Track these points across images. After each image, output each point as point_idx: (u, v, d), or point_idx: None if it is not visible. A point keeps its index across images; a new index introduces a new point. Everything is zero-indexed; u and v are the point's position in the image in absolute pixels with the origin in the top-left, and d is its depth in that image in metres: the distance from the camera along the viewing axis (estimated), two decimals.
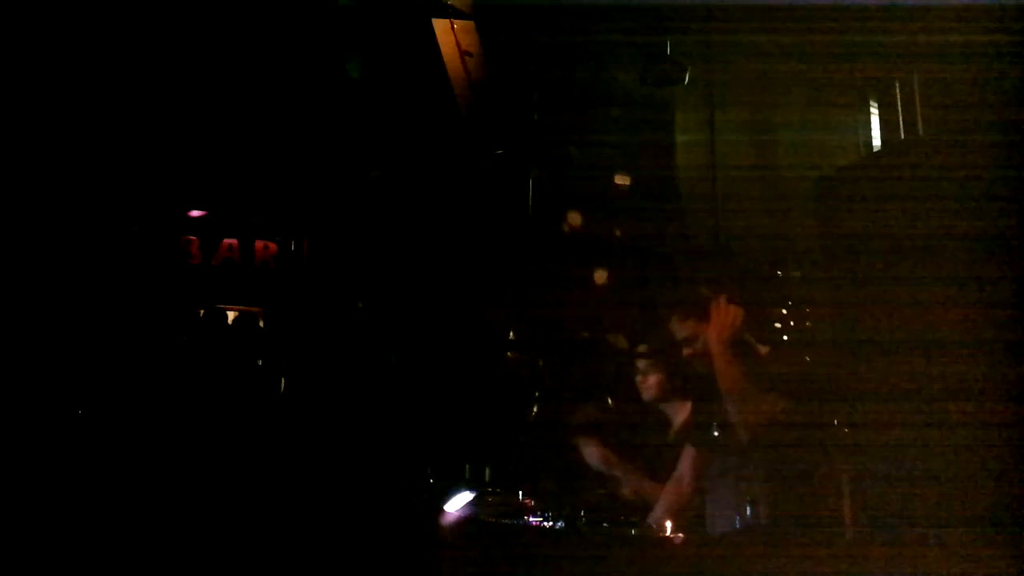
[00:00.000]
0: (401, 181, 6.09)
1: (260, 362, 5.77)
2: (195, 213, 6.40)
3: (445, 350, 5.61)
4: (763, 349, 2.87)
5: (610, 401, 3.68)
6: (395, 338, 5.65)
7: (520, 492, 3.21)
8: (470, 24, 5.77)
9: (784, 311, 4.66)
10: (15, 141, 5.38)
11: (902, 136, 5.46)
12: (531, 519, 2.96)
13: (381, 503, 3.32)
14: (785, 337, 3.03)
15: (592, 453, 3.26)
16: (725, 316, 2.80)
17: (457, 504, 3.13)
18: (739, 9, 5.55)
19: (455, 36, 5.89)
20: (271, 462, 4.03)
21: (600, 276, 6.58)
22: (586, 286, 6.50)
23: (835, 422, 2.75)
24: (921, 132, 4.90)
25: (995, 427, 3.49)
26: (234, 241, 6.43)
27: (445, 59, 6.09)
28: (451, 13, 5.59)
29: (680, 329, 2.93)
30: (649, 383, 3.17)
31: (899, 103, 5.43)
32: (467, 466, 3.37)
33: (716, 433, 2.82)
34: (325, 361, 5.59)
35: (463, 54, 6.02)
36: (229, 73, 6.09)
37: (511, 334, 5.72)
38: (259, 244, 6.48)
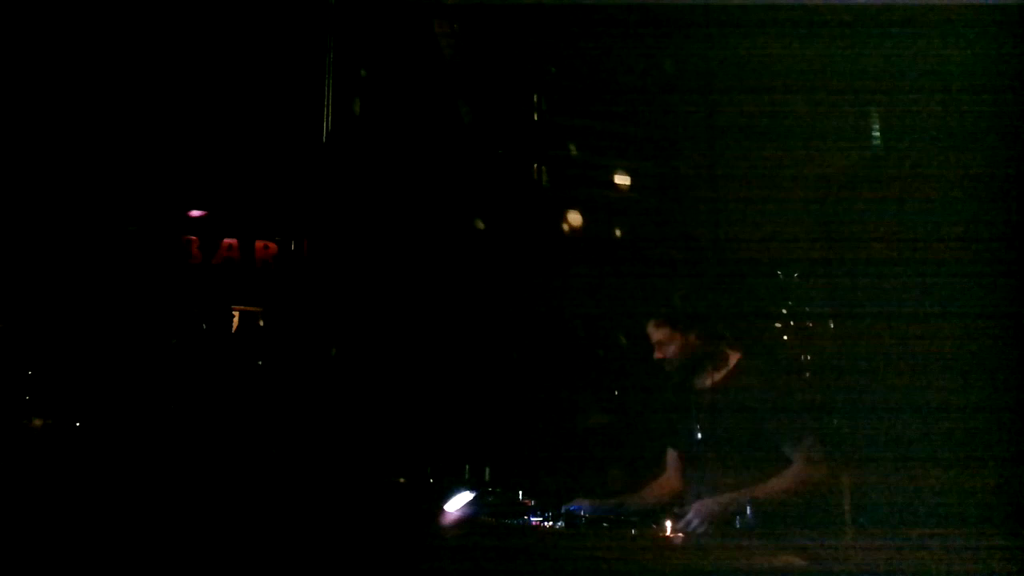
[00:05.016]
0: (401, 181, 6.09)
1: (260, 362, 5.78)
2: (195, 213, 6.39)
3: (445, 350, 5.62)
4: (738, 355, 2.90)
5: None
6: (396, 338, 5.65)
7: (520, 492, 3.22)
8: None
9: (783, 312, 4.66)
10: (15, 141, 5.38)
11: (902, 136, 5.47)
12: (531, 519, 2.97)
13: (381, 502, 3.33)
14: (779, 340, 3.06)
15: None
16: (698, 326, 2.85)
17: (457, 504, 3.13)
18: (739, 9, 5.55)
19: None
20: (270, 461, 4.04)
21: (600, 277, 6.58)
22: (586, 286, 6.50)
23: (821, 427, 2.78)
24: (921, 132, 4.90)
25: (992, 436, 3.50)
26: (234, 241, 6.44)
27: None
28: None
29: (655, 333, 2.96)
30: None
31: (898, 103, 5.43)
32: (467, 466, 3.37)
33: (699, 436, 2.87)
34: (325, 361, 5.59)
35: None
36: (229, 73, 6.10)
37: (511, 334, 5.73)
38: (259, 244, 6.48)
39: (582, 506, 3.00)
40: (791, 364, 3.23)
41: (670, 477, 3.14)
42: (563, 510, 2.96)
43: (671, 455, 3.14)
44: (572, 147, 6.84)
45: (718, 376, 2.90)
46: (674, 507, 2.95)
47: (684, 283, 3.32)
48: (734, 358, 2.93)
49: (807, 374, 4.25)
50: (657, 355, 2.98)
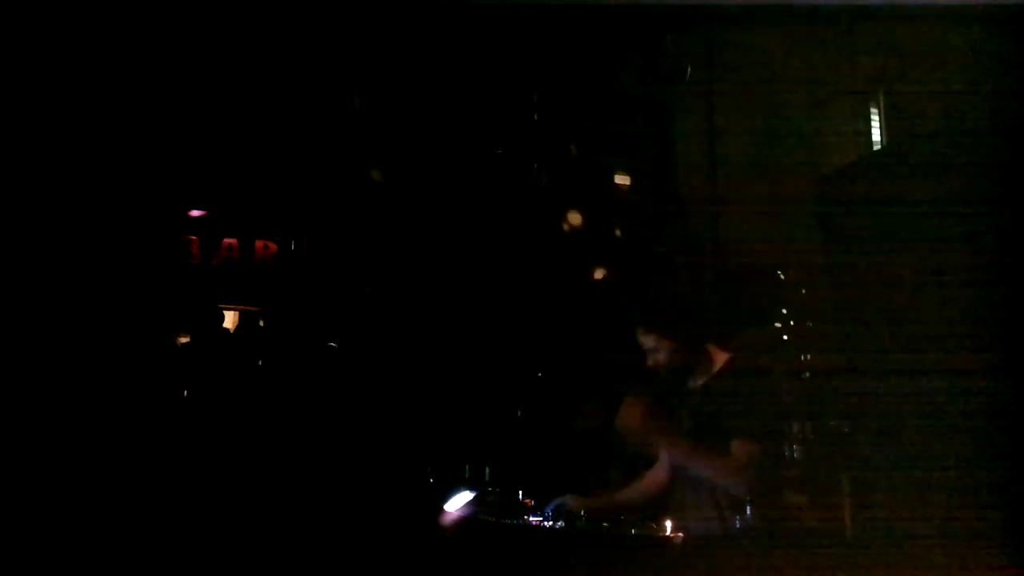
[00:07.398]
0: (401, 181, 6.09)
1: (260, 362, 5.77)
2: (195, 213, 6.40)
3: (445, 349, 5.62)
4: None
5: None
6: (396, 338, 5.65)
7: (520, 492, 3.22)
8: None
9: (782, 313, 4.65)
10: (15, 141, 5.39)
11: (901, 136, 5.47)
12: (531, 519, 2.97)
13: (381, 502, 3.33)
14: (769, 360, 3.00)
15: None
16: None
17: (457, 504, 3.13)
18: (739, 9, 5.56)
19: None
20: (270, 462, 4.04)
21: (599, 275, 6.59)
22: (586, 286, 6.51)
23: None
24: (920, 132, 4.90)
25: (993, 434, 3.49)
26: (234, 241, 6.44)
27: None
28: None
29: (644, 340, 2.92)
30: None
31: (898, 103, 5.43)
32: (467, 466, 3.38)
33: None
34: (325, 361, 5.59)
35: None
36: (229, 73, 6.10)
37: (511, 334, 5.73)
38: (259, 244, 6.49)
39: (567, 502, 2.98)
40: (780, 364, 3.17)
41: (659, 470, 3.07)
42: (551, 506, 2.95)
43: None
44: (572, 148, 6.85)
45: (705, 378, 2.87)
46: (660, 500, 2.94)
47: (670, 287, 3.28)
48: (721, 359, 2.89)
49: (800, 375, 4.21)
50: (649, 362, 2.93)
